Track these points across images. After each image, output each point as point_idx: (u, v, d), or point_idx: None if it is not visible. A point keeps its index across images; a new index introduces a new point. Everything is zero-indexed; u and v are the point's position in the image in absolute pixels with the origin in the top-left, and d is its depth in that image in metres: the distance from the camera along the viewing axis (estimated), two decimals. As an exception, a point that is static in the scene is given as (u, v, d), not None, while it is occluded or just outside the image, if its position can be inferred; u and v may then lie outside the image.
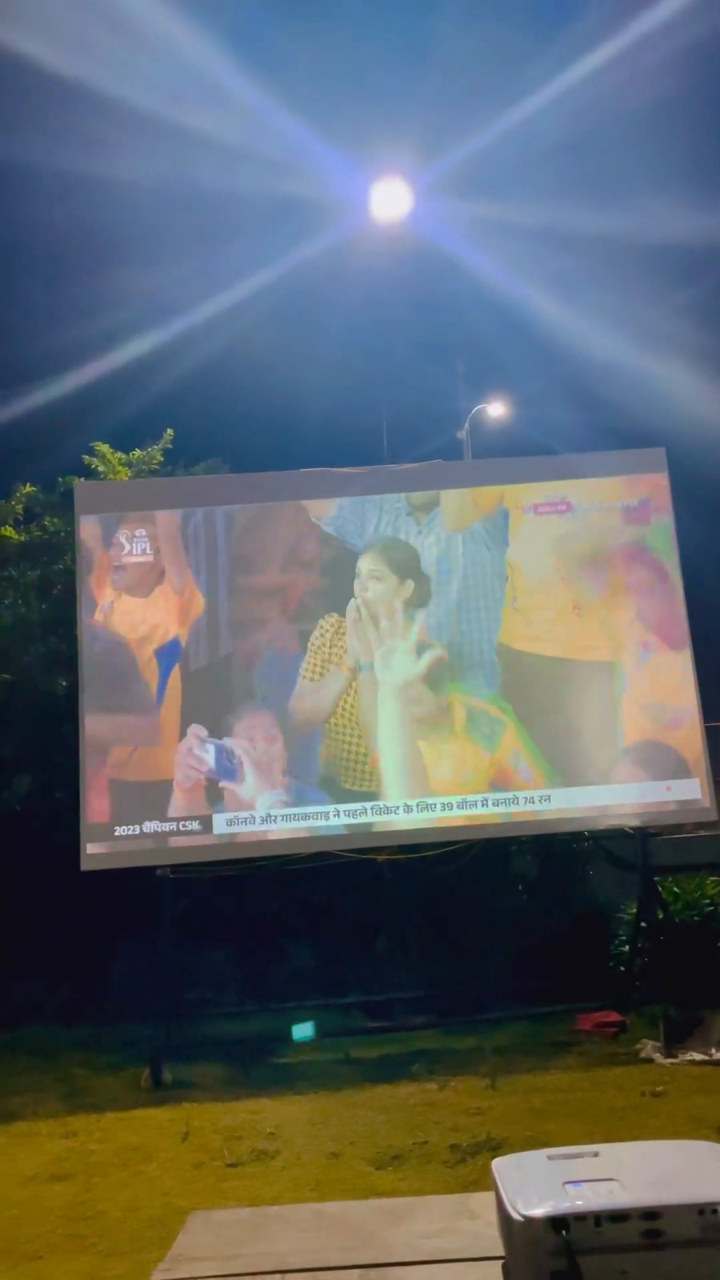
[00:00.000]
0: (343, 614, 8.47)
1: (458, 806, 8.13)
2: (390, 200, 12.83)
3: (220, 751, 8.12)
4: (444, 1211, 4.62)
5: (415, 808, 8.12)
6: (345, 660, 8.38)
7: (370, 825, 8.10)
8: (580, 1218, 3.00)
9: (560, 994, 8.60)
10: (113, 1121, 6.83)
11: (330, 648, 8.42)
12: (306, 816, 8.09)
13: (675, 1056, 7.45)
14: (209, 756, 8.12)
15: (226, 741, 8.15)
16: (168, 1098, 7.27)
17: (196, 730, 8.16)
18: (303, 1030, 8.19)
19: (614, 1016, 8.28)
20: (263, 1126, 6.46)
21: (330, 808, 8.11)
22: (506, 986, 8.80)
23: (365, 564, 8.59)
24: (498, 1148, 5.61)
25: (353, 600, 8.51)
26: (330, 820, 8.09)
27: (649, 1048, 7.64)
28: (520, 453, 11.77)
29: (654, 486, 8.79)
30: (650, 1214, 3.00)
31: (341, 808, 8.11)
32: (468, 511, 8.68)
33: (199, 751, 8.11)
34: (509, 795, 8.15)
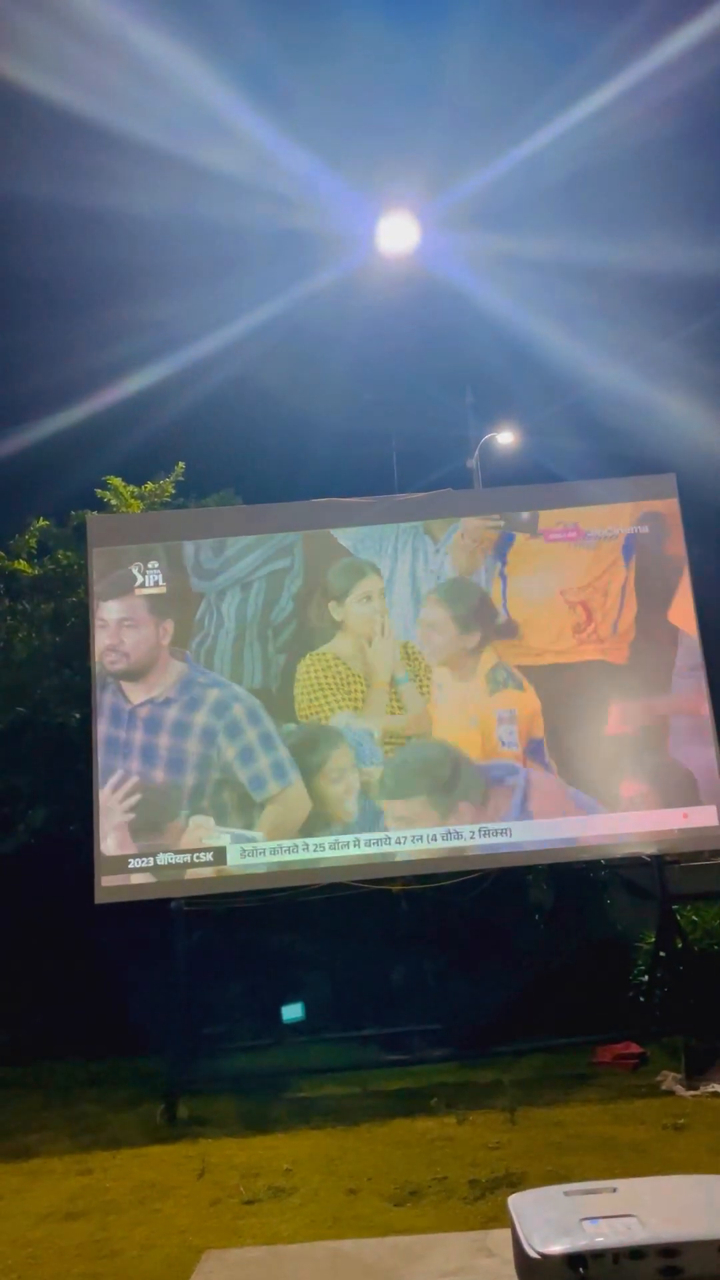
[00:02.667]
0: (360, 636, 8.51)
1: (479, 834, 8.09)
2: (398, 233, 12.99)
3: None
4: (461, 1249, 4.56)
5: (437, 837, 8.07)
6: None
7: (386, 855, 8.06)
8: (598, 1255, 2.95)
9: (579, 1026, 8.50)
10: (128, 1158, 6.76)
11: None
12: (321, 847, 8.05)
13: (697, 1089, 7.33)
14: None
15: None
16: (183, 1134, 7.20)
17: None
18: (292, 1012, 8.18)
19: (634, 1048, 8.17)
20: (279, 1163, 6.39)
21: (350, 837, 8.08)
22: (525, 1018, 8.70)
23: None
24: (517, 1183, 5.54)
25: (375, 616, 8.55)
26: (346, 850, 8.05)
27: (670, 1080, 7.53)
28: (529, 480, 11.80)
29: (665, 512, 8.80)
30: (669, 1250, 2.94)
31: (361, 837, 8.07)
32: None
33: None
34: (525, 824, 8.10)
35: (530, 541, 8.70)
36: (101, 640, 8.41)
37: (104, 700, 8.29)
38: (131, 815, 8.07)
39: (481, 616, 8.56)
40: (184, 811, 8.09)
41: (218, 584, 8.58)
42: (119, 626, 8.44)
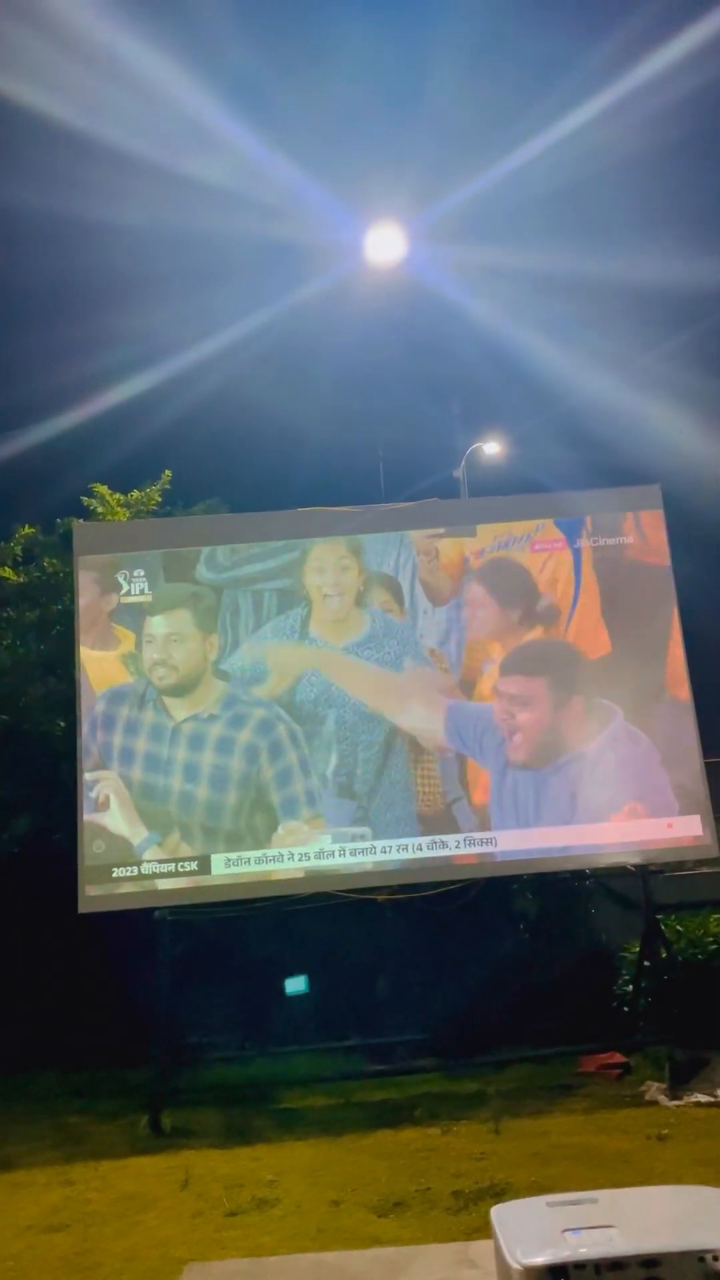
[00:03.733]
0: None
1: (464, 844, 8.09)
2: (385, 244, 13.03)
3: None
4: (444, 1260, 4.56)
5: (422, 846, 8.07)
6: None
7: (371, 864, 8.05)
8: (579, 1266, 2.95)
9: (564, 1035, 8.51)
10: (110, 1170, 6.73)
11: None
12: (306, 856, 8.04)
13: (680, 1098, 7.35)
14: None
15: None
16: (166, 1145, 7.17)
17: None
18: (295, 985, 8.19)
19: (618, 1058, 8.19)
20: (263, 1174, 6.37)
21: (335, 846, 8.07)
22: (509, 1028, 8.70)
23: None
24: (501, 1193, 5.54)
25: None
26: (332, 859, 8.04)
27: (654, 1090, 7.54)
28: (515, 491, 11.84)
29: (650, 523, 8.84)
30: (649, 1261, 2.95)
31: (346, 846, 8.07)
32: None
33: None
34: (510, 833, 8.11)
35: (517, 551, 8.73)
36: (150, 654, 8.40)
37: (144, 717, 8.25)
38: (127, 824, 8.04)
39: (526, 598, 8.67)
40: (220, 822, 8.09)
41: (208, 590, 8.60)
42: (166, 641, 8.44)
